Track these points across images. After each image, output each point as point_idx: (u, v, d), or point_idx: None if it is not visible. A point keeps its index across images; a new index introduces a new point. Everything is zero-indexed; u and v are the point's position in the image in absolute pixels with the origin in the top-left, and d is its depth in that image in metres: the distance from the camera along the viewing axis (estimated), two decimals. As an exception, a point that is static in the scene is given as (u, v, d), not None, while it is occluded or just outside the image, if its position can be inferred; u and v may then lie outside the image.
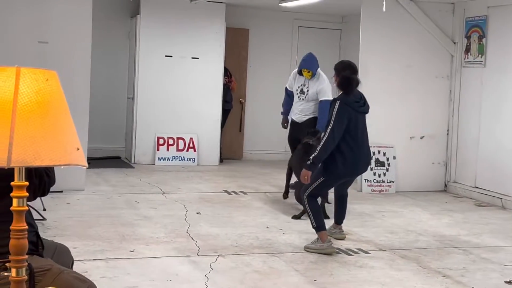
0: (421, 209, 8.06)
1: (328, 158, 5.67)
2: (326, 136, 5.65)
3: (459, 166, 9.35)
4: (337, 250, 5.84)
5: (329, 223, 6.33)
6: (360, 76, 9.00)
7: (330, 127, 5.63)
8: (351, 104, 5.74)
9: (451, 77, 9.46)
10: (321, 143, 5.66)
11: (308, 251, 5.78)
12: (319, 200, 6.25)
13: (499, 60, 8.62)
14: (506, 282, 5.16)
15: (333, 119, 5.64)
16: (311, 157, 5.67)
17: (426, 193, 9.18)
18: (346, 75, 5.86)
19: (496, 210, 8.24)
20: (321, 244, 5.78)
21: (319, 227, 5.81)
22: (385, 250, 6.02)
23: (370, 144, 9.17)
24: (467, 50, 9.17)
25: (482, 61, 8.88)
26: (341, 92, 5.87)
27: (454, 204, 8.54)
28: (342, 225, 6.43)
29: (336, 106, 5.67)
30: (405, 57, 9.28)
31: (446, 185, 9.52)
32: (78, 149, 1.98)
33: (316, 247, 5.78)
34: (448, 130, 9.51)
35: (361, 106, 5.85)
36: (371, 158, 6.14)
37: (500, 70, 8.60)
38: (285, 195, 7.68)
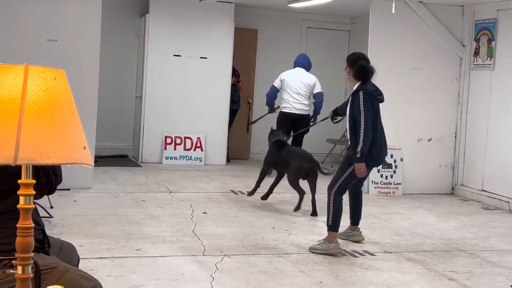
0: (428, 212, 8.04)
1: (354, 149, 5.70)
2: (362, 126, 5.67)
3: (466, 169, 9.32)
4: (344, 252, 5.84)
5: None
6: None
7: (363, 118, 5.67)
8: (373, 93, 5.80)
9: (459, 79, 9.42)
10: (361, 134, 5.68)
11: (313, 252, 5.77)
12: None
13: (508, 63, 8.59)
14: (512, 286, 5.14)
15: (362, 109, 5.68)
16: (358, 150, 5.67)
17: (433, 196, 9.15)
18: (362, 64, 5.89)
19: (504, 213, 8.21)
20: (327, 244, 5.77)
21: (333, 226, 5.82)
22: (391, 252, 6.00)
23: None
24: (476, 53, 9.14)
25: (491, 64, 8.85)
26: (357, 84, 5.86)
27: (461, 207, 8.51)
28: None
29: (361, 97, 5.72)
30: (413, 59, 9.26)
31: (453, 188, 9.49)
32: (84, 148, 1.98)
33: (323, 248, 5.77)
34: (456, 133, 9.48)
35: (379, 94, 5.90)
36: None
37: (509, 73, 8.57)
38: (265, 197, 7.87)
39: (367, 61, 6.05)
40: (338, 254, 5.74)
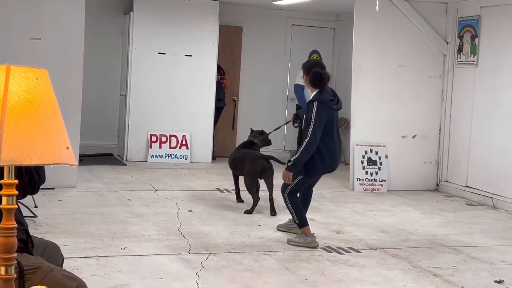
0: (413, 208, 8.08)
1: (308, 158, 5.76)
2: (307, 138, 5.69)
3: (450, 166, 9.39)
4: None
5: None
6: (353, 75, 9.12)
7: (311, 129, 5.68)
8: (327, 103, 5.79)
9: (443, 77, 9.48)
10: (303, 146, 5.72)
11: (291, 245, 5.89)
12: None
13: (491, 60, 8.65)
14: (496, 281, 5.18)
15: (313, 120, 5.68)
16: (292, 159, 5.78)
17: (418, 192, 9.21)
18: (317, 71, 5.90)
19: (487, 209, 8.28)
20: (305, 238, 5.91)
21: (301, 222, 5.95)
22: (376, 249, 6.03)
23: (362, 143, 9.26)
24: (460, 50, 9.20)
25: (474, 61, 8.91)
26: (315, 92, 5.86)
27: (446, 204, 8.56)
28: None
29: (315, 107, 5.71)
30: (398, 57, 9.30)
31: (437, 184, 9.55)
32: (67, 148, 1.98)
33: (300, 241, 5.91)
34: (440, 130, 9.54)
35: (335, 104, 5.90)
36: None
37: (492, 70, 8.63)
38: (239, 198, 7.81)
39: (322, 67, 6.05)
40: (316, 246, 5.87)
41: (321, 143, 5.76)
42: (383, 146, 9.18)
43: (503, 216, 7.89)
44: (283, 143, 12.45)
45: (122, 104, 10.92)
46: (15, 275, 2.02)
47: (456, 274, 5.35)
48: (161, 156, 10.65)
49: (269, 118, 12.29)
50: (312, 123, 5.67)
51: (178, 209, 7.21)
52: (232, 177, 7.80)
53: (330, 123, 5.83)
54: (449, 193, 9.25)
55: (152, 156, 10.62)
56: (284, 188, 5.97)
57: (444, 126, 9.48)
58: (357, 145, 9.10)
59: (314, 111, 5.69)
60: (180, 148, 10.76)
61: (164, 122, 10.71)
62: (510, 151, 8.26)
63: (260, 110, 12.07)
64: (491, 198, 8.49)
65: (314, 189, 6.41)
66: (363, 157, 9.08)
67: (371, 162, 9.07)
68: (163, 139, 10.69)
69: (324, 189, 8.61)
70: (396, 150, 9.30)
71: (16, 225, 1.99)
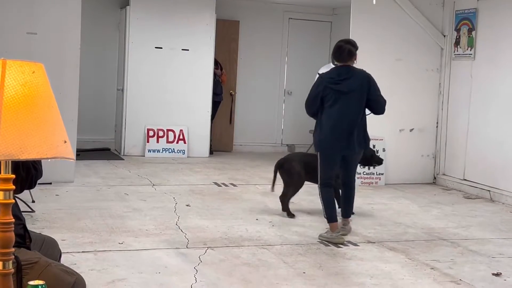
0: (410, 202, 8.09)
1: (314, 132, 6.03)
2: None
3: (448, 159, 9.39)
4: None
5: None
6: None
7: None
8: (325, 80, 5.95)
9: (440, 70, 9.48)
10: None
11: (321, 239, 5.92)
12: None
13: (489, 53, 8.65)
14: (493, 274, 5.19)
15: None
16: None
17: (415, 186, 9.22)
18: (338, 43, 6.07)
19: (485, 202, 8.29)
20: (330, 234, 5.94)
21: (328, 218, 5.98)
22: (373, 242, 6.04)
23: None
24: (457, 43, 9.19)
25: (471, 54, 8.91)
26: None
27: (443, 197, 8.57)
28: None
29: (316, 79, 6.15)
30: (395, 50, 9.29)
31: (435, 178, 9.56)
32: (65, 142, 1.97)
33: (327, 236, 5.94)
34: (437, 123, 9.54)
35: (334, 83, 5.89)
36: (354, 138, 5.97)
37: (489, 63, 8.63)
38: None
39: (348, 42, 6.10)
40: (340, 243, 5.86)
41: (320, 120, 5.93)
42: (380, 139, 9.17)
43: (500, 209, 7.90)
44: (280, 137, 12.47)
45: (119, 98, 10.90)
46: (12, 270, 2.01)
47: (454, 267, 5.35)
48: (158, 151, 10.65)
49: (266, 112, 12.31)
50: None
51: (176, 203, 7.21)
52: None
53: (332, 101, 5.84)
54: (446, 186, 9.26)
55: (149, 151, 10.61)
56: (317, 180, 6.05)
57: (441, 120, 9.48)
58: (354, 138, 9.10)
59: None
60: (177, 142, 10.76)
61: (161, 117, 10.71)
62: (507, 144, 8.27)
63: (257, 104, 12.08)
64: (489, 191, 8.50)
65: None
66: (361, 150, 9.07)
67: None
68: (160, 133, 10.69)
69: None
70: (394, 143, 9.30)
71: (13, 220, 1.98)
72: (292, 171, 6.88)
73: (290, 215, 6.80)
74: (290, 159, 7.12)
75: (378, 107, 6.10)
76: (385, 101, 6.13)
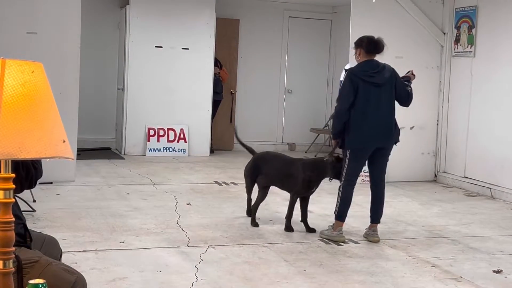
0: (411, 199, 8.09)
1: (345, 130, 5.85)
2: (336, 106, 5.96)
3: (448, 156, 9.39)
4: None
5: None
6: (350, 66, 9.07)
7: (337, 97, 6.01)
8: (358, 74, 5.82)
9: (441, 67, 9.48)
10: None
11: (321, 237, 5.94)
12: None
13: (489, 51, 8.65)
14: (494, 271, 5.19)
15: (340, 89, 5.98)
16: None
17: (416, 183, 9.22)
18: (371, 37, 6.05)
19: (485, 200, 8.29)
20: (332, 231, 5.93)
21: (338, 215, 5.95)
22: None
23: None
24: (457, 40, 9.19)
25: (471, 52, 8.91)
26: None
27: (444, 194, 8.57)
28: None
29: (345, 76, 5.93)
30: (395, 48, 9.24)
31: (435, 175, 9.56)
32: (64, 141, 1.97)
33: (328, 234, 5.95)
34: (438, 121, 9.54)
35: (369, 76, 5.81)
36: (392, 129, 5.97)
37: (489, 61, 8.63)
38: None
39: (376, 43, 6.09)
40: (340, 241, 5.86)
41: (353, 116, 5.79)
42: (381, 137, 9.16)
43: (501, 206, 7.90)
44: (281, 135, 12.47)
45: (120, 98, 10.91)
46: (13, 269, 2.02)
47: (455, 264, 5.36)
48: (159, 150, 10.65)
49: (266, 111, 12.31)
50: (339, 92, 5.96)
51: (177, 202, 7.21)
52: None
53: (366, 99, 5.77)
54: (447, 184, 9.26)
55: (150, 150, 10.62)
56: (341, 178, 5.97)
57: (441, 117, 9.48)
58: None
59: (343, 79, 5.93)
60: (178, 141, 10.76)
61: (162, 116, 10.71)
62: (508, 141, 8.27)
63: (257, 102, 12.08)
64: (489, 188, 8.50)
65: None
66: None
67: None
68: (161, 132, 10.69)
69: (322, 181, 8.58)
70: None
71: (14, 219, 1.99)
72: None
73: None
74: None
75: (406, 98, 6.12)
76: (410, 93, 6.12)
